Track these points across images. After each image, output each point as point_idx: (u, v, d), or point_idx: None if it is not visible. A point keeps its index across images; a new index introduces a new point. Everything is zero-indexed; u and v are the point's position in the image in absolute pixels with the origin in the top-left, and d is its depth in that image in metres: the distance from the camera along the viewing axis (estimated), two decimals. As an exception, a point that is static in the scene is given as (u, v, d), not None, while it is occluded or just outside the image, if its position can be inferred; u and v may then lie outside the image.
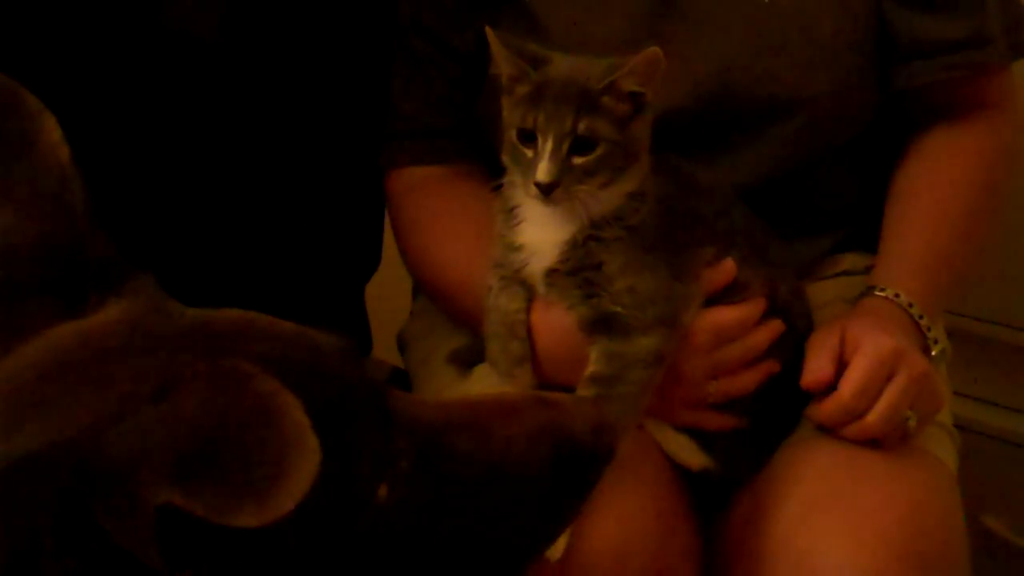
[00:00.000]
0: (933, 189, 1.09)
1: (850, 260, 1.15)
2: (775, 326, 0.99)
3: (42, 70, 1.06)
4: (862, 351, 0.95)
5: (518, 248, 0.97)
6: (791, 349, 1.00)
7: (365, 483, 0.63)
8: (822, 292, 1.11)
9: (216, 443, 0.54)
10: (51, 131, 0.71)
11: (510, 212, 0.97)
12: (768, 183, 1.07)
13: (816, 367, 0.96)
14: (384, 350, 1.34)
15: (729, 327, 0.97)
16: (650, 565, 0.93)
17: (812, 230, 1.13)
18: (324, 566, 0.62)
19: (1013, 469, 1.63)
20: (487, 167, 1.10)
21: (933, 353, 1.03)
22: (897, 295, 1.03)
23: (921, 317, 1.03)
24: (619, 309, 0.94)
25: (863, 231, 1.13)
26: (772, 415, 1.01)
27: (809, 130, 1.07)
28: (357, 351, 0.68)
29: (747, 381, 0.98)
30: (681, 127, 1.02)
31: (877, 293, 1.04)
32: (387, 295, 1.35)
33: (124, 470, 0.54)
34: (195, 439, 0.54)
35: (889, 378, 0.94)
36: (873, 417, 0.94)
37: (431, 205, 1.15)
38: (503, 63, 0.94)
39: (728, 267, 0.98)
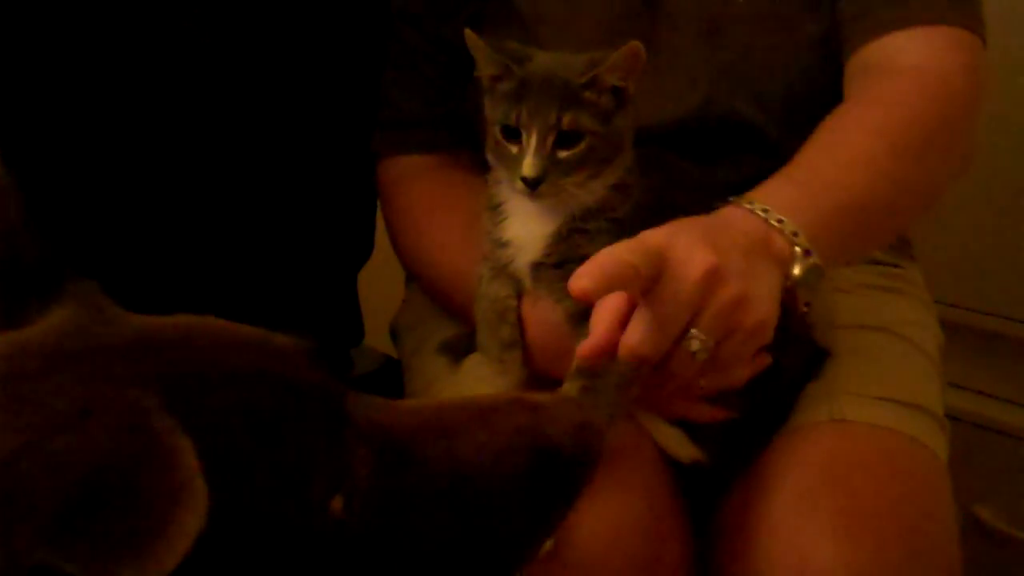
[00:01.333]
0: (833, 130, 1.00)
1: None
2: (767, 319, 0.99)
3: (32, 64, 1.05)
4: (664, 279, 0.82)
5: (505, 244, 0.97)
6: (784, 342, 0.99)
7: (315, 495, 0.59)
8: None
9: (97, 494, 0.50)
10: None
11: (495, 209, 0.98)
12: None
13: (578, 277, 0.79)
14: (377, 338, 1.34)
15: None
16: (641, 555, 0.93)
17: None
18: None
19: (1003, 459, 1.64)
20: (478, 157, 1.10)
21: (796, 271, 0.89)
22: (751, 202, 0.90)
23: (780, 221, 0.89)
24: None
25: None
26: (764, 407, 1.00)
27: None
28: (319, 354, 0.65)
29: (739, 374, 0.98)
30: (676, 129, 1.03)
31: (735, 202, 0.91)
32: (379, 283, 1.35)
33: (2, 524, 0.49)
34: (74, 489, 0.50)
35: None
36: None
37: (422, 194, 1.15)
38: (484, 62, 0.94)
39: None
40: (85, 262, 1.06)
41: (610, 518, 0.91)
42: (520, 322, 0.99)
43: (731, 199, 0.91)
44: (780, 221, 0.89)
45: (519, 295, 0.99)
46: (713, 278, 0.82)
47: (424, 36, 1.14)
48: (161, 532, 0.50)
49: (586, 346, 0.85)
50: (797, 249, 0.89)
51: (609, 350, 0.84)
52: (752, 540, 0.93)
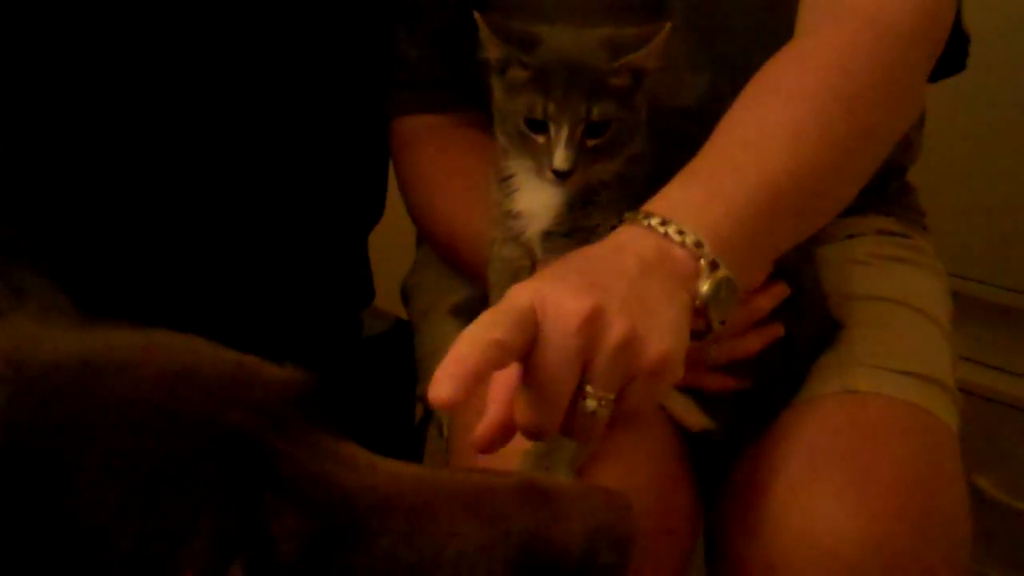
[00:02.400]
0: (748, 97, 0.90)
1: (856, 224, 1.14)
2: (779, 290, 0.99)
3: (30, 56, 1.05)
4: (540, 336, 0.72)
5: (516, 216, 0.97)
6: (797, 312, 0.99)
7: (198, 559, 0.49)
8: (827, 255, 1.10)
9: None
10: None
11: (505, 181, 0.97)
12: None
13: (436, 384, 0.69)
14: (387, 300, 1.34)
15: None
16: (649, 521, 0.93)
17: None
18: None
19: (1003, 429, 1.65)
20: (491, 116, 1.09)
21: (703, 288, 0.78)
22: (648, 215, 0.79)
23: (681, 232, 0.78)
24: None
25: (868, 195, 1.12)
26: (775, 377, 1.01)
27: None
28: (306, 389, 0.56)
29: (750, 345, 0.98)
30: (683, 105, 1.02)
31: (631, 220, 0.81)
32: (390, 245, 1.35)
33: None
34: None
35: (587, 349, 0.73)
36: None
37: (435, 155, 1.14)
38: (493, 48, 0.93)
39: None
40: (94, 231, 1.07)
41: (618, 484, 0.91)
42: None
43: (626, 215, 0.81)
44: (681, 232, 0.78)
45: (532, 259, 0.99)
46: (592, 325, 0.71)
47: None
48: None
49: (480, 429, 0.75)
50: (702, 262, 0.78)
51: (507, 430, 0.75)
52: (761, 510, 0.93)
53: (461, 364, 0.68)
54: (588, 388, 0.72)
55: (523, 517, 0.55)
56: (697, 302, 0.78)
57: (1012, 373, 1.66)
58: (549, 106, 0.90)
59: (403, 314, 1.29)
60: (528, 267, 0.98)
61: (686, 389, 1.00)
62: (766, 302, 0.98)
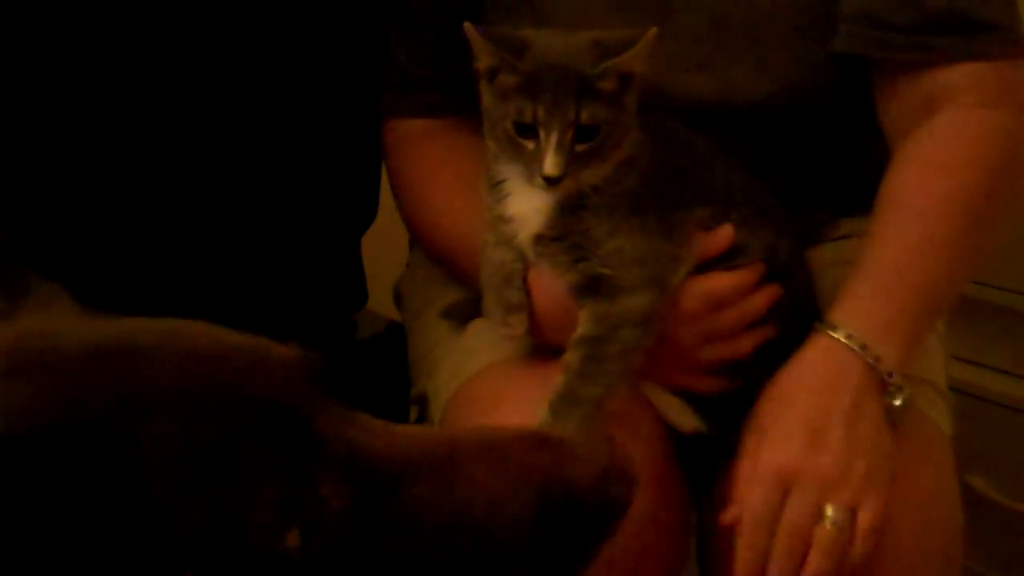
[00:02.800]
0: (916, 199, 0.98)
1: (849, 224, 1.14)
2: (772, 291, 0.99)
3: (31, 59, 1.05)
4: (747, 488, 0.90)
5: (508, 220, 0.97)
6: (789, 313, 0.99)
7: (263, 527, 0.53)
8: (822, 256, 1.10)
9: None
10: None
11: (496, 186, 0.97)
12: (770, 157, 1.07)
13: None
14: (380, 302, 1.34)
15: (723, 293, 0.97)
16: (638, 524, 0.92)
17: (814, 200, 1.12)
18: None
19: (997, 429, 1.64)
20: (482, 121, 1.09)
21: (896, 402, 0.92)
22: (850, 335, 0.92)
23: (878, 359, 0.92)
24: (607, 271, 0.94)
25: (864, 196, 1.13)
26: (766, 378, 1.00)
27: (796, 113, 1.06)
28: (319, 365, 0.59)
29: (742, 346, 0.98)
30: (675, 109, 1.02)
31: (828, 332, 0.94)
32: (383, 247, 1.35)
33: None
34: None
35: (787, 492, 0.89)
36: (778, 546, 0.88)
37: (427, 158, 1.14)
38: (484, 55, 0.93)
39: (725, 233, 0.97)
40: (85, 232, 1.07)
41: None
42: (526, 289, 0.98)
43: (819, 327, 0.94)
44: (877, 359, 0.92)
45: (524, 263, 0.99)
46: (827, 480, 0.88)
47: None
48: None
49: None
50: (891, 387, 0.93)
51: None
52: None
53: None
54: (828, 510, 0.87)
55: (539, 463, 0.60)
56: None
57: (1010, 374, 1.65)
58: (538, 110, 0.89)
59: (396, 317, 1.29)
60: (520, 270, 0.98)
61: (678, 391, 1.00)
62: (759, 303, 0.98)
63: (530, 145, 0.91)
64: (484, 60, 0.93)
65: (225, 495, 0.53)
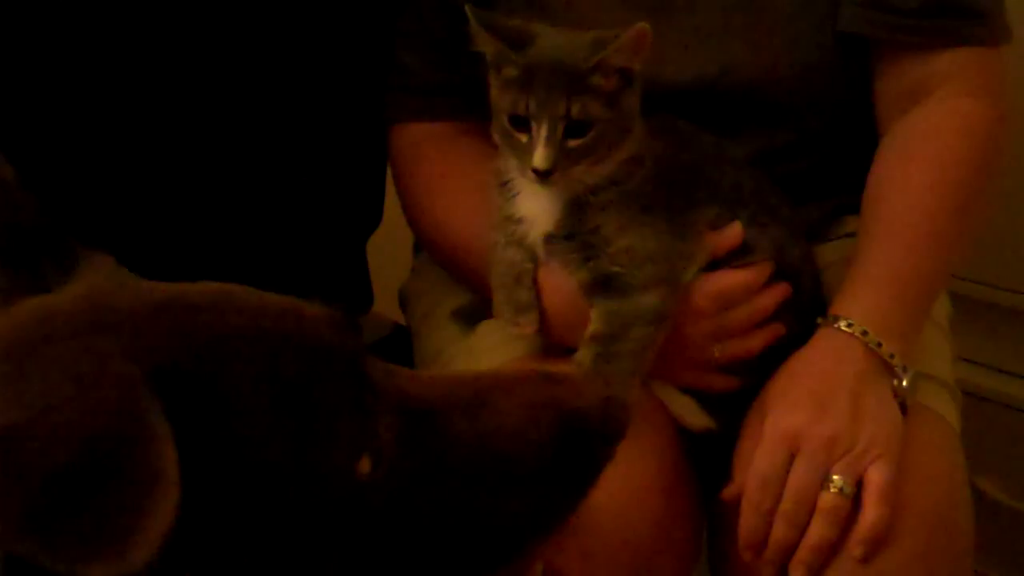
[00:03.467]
0: (904, 193, 1.02)
1: (854, 222, 1.14)
2: (781, 289, 0.99)
3: (33, 56, 1.05)
4: (758, 448, 0.91)
5: (517, 220, 0.97)
6: (798, 311, 0.99)
7: (340, 457, 0.61)
8: (827, 254, 1.10)
9: (72, 483, 0.50)
10: None
11: (505, 186, 0.97)
12: (774, 153, 1.07)
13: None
14: (386, 306, 1.34)
15: (733, 292, 0.97)
16: (652, 519, 0.93)
17: (818, 195, 1.12)
18: (307, 542, 0.61)
19: (1005, 431, 1.64)
20: (489, 125, 1.09)
21: (903, 383, 0.95)
22: (851, 324, 0.95)
23: (879, 344, 0.94)
24: (617, 269, 0.94)
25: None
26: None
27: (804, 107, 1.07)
28: (348, 321, 0.65)
29: (752, 344, 0.98)
30: (681, 107, 1.02)
31: (831, 324, 0.96)
32: (388, 251, 1.35)
33: None
34: (50, 479, 0.50)
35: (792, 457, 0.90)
36: (781, 510, 0.89)
37: (434, 162, 1.14)
38: (483, 43, 0.93)
39: (734, 231, 0.97)
40: (93, 238, 1.07)
41: (622, 483, 0.91)
42: (536, 289, 0.98)
43: (821, 321, 0.97)
44: (879, 344, 0.94)
45: (534, 262, 0.99)
46: (832, 445, 0.89)
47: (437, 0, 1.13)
48: (133, 529, 0.50)
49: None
50: (896, 368, 0.95)
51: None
52: None
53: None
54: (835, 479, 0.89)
55: (551, 394, 0.69)
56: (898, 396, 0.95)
57: (1012, 373, 1.65)
58: (531, 103, 0.90)
59: (402, 320, 1.29)
60: (531, 270, 0.98)
61: (689, 390, 1.00)
62: (768, 302, 0.98)
63: (523, 138, 0.91)
64: (486, 47, 0.94)
65: (309, 427, 0.60)
